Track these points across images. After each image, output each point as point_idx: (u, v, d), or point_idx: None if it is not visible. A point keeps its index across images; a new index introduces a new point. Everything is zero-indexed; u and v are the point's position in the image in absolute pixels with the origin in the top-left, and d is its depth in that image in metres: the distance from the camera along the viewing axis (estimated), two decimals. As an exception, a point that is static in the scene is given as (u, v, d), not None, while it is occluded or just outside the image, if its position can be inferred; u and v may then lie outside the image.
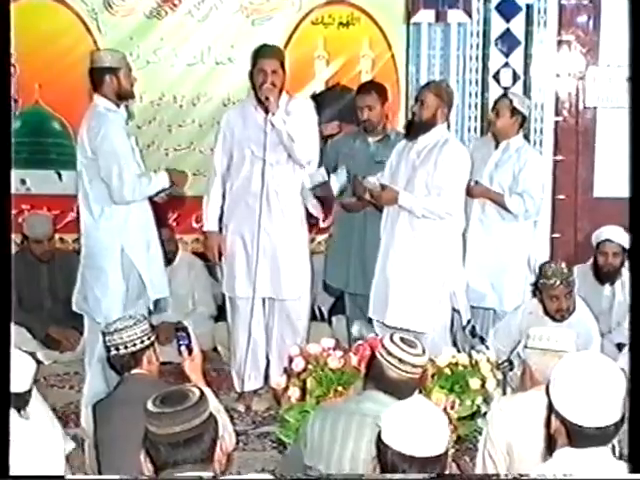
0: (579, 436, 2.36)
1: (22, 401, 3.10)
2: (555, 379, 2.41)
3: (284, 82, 4.98)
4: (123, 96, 4.76)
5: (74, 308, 4.94)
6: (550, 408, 2.43)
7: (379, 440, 2.50)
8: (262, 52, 5.00)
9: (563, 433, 2.40)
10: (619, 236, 5.52)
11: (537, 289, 4.93)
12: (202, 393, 2.45)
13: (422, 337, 4.29)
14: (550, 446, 2.46)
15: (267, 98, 4.85)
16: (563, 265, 4.86)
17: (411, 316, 4.74)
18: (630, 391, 2.37)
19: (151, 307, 4.89)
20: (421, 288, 4.77)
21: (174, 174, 4.90)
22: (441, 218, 4.75)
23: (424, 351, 3.22)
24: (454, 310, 4.92)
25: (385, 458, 2.47)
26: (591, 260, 5.80)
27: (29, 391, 3.14)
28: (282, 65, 4.97)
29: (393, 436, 2.46)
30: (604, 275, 5.70)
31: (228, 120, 5.15)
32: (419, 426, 2.45)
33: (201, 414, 2.39)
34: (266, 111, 4.89)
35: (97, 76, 4.72)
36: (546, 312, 4.83)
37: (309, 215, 5.25)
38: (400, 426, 2.46)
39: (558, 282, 4.76)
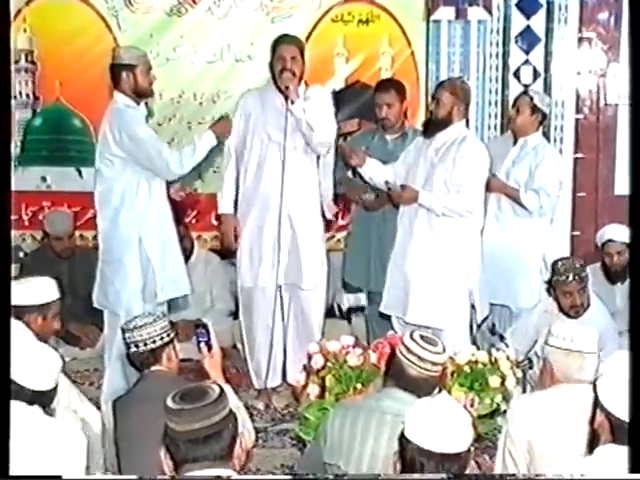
0: (623, 432, 2.39)
1: (47, 398, 3.09)
2: (604, 375, 2.47)
3: (303, 71, 4.98)
4: (140, 93, 4.76)
5: (95, 304, 4.96)
6: (596, 404, 2.46)
7: (402, 435, 2.51)
8: (281, 40, 5.02)
9: (607, 429, 2.44)
10: (621, 234, 5.42)
11: (551, 286, 4.92)
12: (222, 390, 2.46)
13: (442, 335, 4.28)
14: (592, 442, 2.48)
15: (287, 87, 4.84)
16: (575, 261, 4.85)
17: (432, 313, 4.73)
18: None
19: (159, 299, 4.84)
20: (441, 286, 4.76)
21: (217, 127, 4.89)
22: (461, 216, 4.74)
23: (444, 349, 3.22)
24: (473, 307, 4.91)
25: (405, 453, 2.48)
26: (600, 261, 5.75)
27: (54, 388, 3.13)
28: (302, 53, 4.97)
29: (415, 431, 2.47)
30: (613, 275, 5.64)
31: (246, 103, 5.11)
32: (441, 422, 2.45)
33: (220, 411, 2.40)
34: (286, 99, 4.88)
35: (115, 72, 4.74)
36: (561, 309, 4.82)
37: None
38: (423, 421, 2.47)
39: (571, 278, 4.74)
